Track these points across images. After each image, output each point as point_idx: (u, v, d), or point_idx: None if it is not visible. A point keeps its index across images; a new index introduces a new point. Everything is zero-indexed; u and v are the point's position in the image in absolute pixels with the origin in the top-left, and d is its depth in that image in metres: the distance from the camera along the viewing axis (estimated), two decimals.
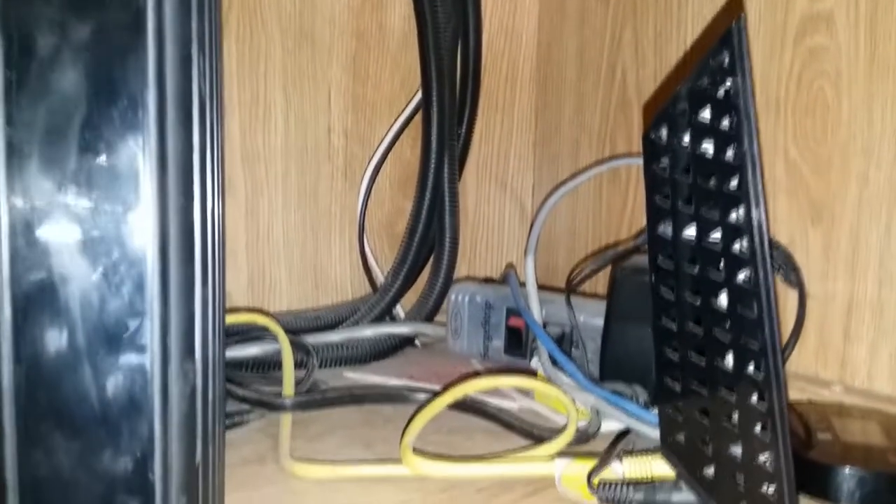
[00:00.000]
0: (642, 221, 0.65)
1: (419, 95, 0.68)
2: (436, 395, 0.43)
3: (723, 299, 0.28)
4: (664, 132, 0.28)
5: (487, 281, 0.66)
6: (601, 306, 0.53)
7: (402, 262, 0.65)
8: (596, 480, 0.34)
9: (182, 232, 0.22)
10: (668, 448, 0.31)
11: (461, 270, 0.73)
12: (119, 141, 0.20)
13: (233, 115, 0.64)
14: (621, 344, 0.47)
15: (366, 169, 0.68)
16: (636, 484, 0.34)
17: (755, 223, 0.27)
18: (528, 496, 0.38)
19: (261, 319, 0.52)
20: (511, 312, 0.57)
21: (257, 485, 0.39)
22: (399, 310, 0.67)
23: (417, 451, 0.39)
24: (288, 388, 0.49)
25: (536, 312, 0.52)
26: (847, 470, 0.37)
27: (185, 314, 0.23)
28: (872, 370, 0.48)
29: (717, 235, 0.28)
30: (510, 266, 0.66)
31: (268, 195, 0.66)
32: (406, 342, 0.65)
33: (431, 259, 0.67)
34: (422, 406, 0.42)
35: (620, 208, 0.67)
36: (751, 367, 0.28)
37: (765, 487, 0.28)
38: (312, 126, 0.67)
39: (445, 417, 0.48)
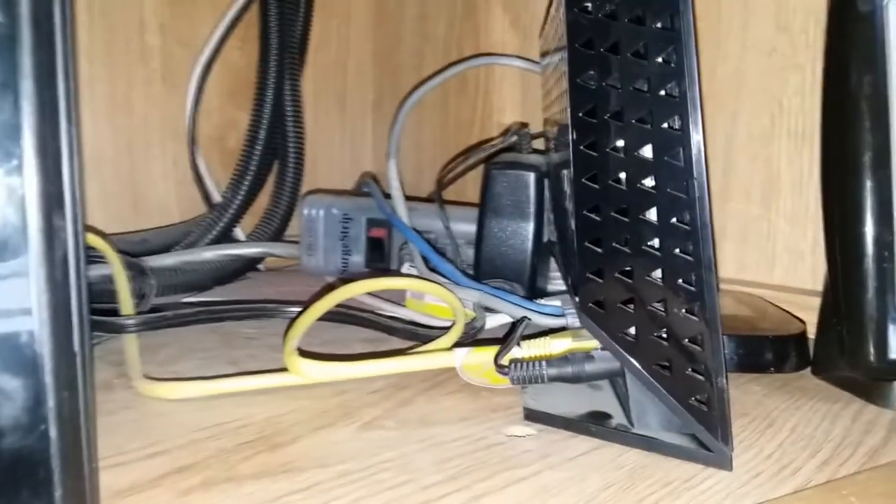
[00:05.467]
0: (492, 132, 0.64)
1: None
2: (310, 303, 0.39)
3: (648, 150, 0.27)
4: None
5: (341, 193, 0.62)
6: (468, 212, 0.51)
7: (241, 176, 0.58)
8: (506, 361, 0.33)
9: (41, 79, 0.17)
10: (586, 314, 0.30)
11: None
12: None
13: None
14: (497, 240, 0.46)
15: (192, 73, 0.60)
16: (547, 360, 0.32)
17: (686, 65, 0.26)
18: (424, 391, 0.36)
19: None
20: (372, 223, 0.53)
21: (111, 410, 0.32)
22: (238, 231, 0.60)
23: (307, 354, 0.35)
24: (126, 307, 0.42)
25: (405, 216, 0.49)
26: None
27: (52, 165, 0.18)
28: (719, 259, 0.51)
29: (643, 80, 0.27)
30: (367, 174, 0.62)
31: None
32: (249, 265, 0.59)
33: (275, 174, 0.62)
34: (299, 315, 0.38)
35: (469, 120, 0.66)
36: (675, 219, 0.27)
37: (689, 339, 0.28)
38: (122, 21, 0.58)
39: (317, 330, 0.43)
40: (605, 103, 0.28)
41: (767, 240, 0.48)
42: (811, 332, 0.40)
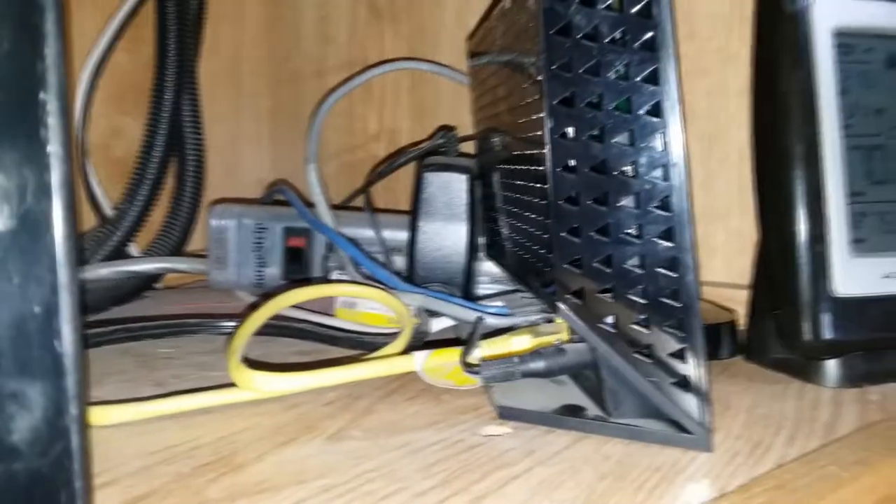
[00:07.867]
0: (400, 141, 0.63)
1: None
2: (243, 314, 0.36)
3: (626, 138, 0.28)
4: None
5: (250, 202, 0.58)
6: (392, 219, 0.50)
7: (136, 186, 0.53)
8: (475, 360, 0.32)
9: None
10: (564, 305, 0.29)
11: None
12: None
13: None
14: (431, 244, 0.45)
15: (81, 76, 0.55)
16: (519, 356, 0.32)
17: (664, 50, 0.26)
18: (382, 399, 0.34)
19: None
20: (290, 232, 0.50)
21: None
22: (132, 247, 0.55)
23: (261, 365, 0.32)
24: None
25: (331, 222, 0.47)
26: None
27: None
28: None
29: (622, 66, 0.27)
30: (281, 181, 0.58)
31: None
32: (147, 283, 0.54)
33: (171, 185, 0.57)
34: (237, 327, 0.35)
35: (376, 129, 0.64)
36: (655, 206, 0.28)
37: (668, 324, 0.28)
38: None
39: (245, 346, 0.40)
40: (582, 91, 0.28)
41: None
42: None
